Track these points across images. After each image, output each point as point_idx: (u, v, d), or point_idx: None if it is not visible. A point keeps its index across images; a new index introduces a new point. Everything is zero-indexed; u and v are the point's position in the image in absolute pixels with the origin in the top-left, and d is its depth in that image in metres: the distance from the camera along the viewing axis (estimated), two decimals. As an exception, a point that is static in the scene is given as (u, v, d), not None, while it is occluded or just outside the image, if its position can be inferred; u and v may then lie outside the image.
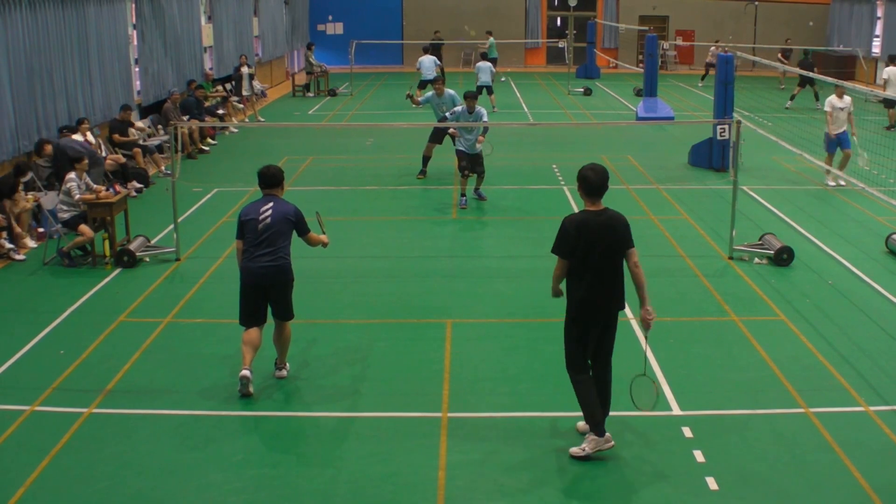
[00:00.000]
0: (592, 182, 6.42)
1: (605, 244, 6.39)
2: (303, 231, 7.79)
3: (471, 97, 13.76)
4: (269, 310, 7.78)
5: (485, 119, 13.81)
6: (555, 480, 6.34)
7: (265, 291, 7.63)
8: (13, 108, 13.49)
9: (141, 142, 16.74)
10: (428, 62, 26.09)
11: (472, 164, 13.80)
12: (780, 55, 30.39)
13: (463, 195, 14.03)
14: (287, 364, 8.03)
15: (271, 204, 7.65)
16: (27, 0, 13.90)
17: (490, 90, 24.33)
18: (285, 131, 21.73)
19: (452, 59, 37.26)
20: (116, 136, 16.18)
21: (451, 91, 15.66)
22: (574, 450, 6.58)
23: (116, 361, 8.29)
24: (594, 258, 6.40)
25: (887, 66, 22.57)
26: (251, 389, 7.53)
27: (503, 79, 32.58)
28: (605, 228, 6.40)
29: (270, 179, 7.77)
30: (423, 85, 26.05)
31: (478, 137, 13.69)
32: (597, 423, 6.51)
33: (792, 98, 25.37)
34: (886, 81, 22.05)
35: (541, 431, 7.06)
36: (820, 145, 15.74)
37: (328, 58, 33.94)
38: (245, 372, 7.50)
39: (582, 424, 6.79)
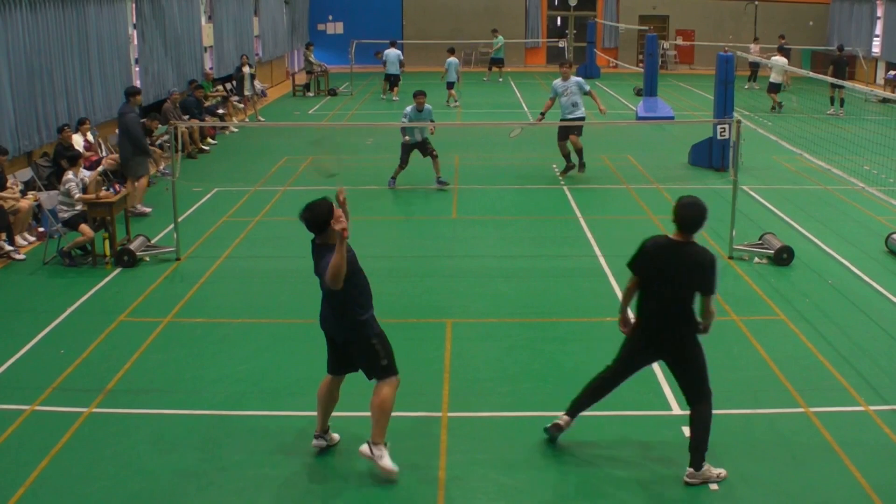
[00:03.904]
0: (681, 217, 6.14)
1: (675, 277, 6.16)
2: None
3: (419, 94, 14.93)
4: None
5: (432, 117, 15.26)
6: (555, 480, 6.34)
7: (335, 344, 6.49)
8: (13, 108, 13.49)
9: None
10: (393, 56, 26.45)
11: (422, 148, 15.08)
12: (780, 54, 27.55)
13: (394, 177, 15.16)
14: (382, 446, 6.32)
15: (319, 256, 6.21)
16: (27, 0, 13.90)
17: (451, 85, 25.97)
18: (285, 131, 21.72)
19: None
20: None
21: (577, 78, 15.91)
22: None
23: (116, 361, 8.29)
24: (660, 286, 6.22)
25: (775, 55, 25.21)
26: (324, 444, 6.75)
27: (500, 79, 32.57)
28: (680, 262, 6.14)
29: (310, 224, 6.18)
30: (388, 79, 26.53)
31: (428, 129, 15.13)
32: (573, 403, 6.73)
33: (838, 103, 23.89)
34: (772, 68, 23.70)
35: (541, 431, 7.05)
36: (820, 145, 15.74)
37: (328, 57, 33.92)
38: (314, 441, 6.70)
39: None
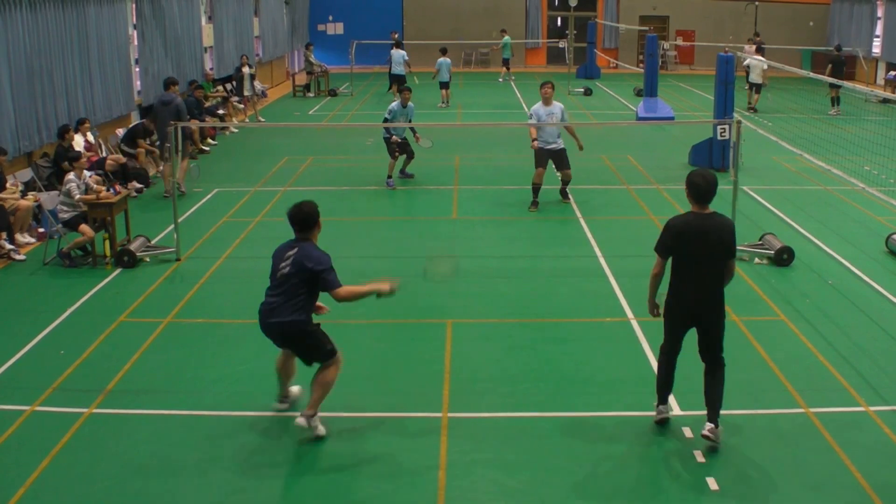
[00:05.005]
0: (700, 187, 6.52)
1: (706, 247, 6.49)
2: (328, 286, 6.68)
3: (405, 90, 15.55)
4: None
5: (412, 116, 15.60)
6: (555, 480, 6.34)
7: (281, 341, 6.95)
8: (13, 108, 13.49)
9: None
10: (398, 56, 26.60)
11: (402, 147, 15.36)
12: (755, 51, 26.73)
13: (390, 176, 15.42)
14: (315, 416, 6.85)
15: (295, 250, 6.71)
16: (27, 0, 13.90)
17: (446, 86, 25.93)
18: (285, 131, 21.72)
19: (453, 60, 37.26)
20: (140, 142, 16.33)
21: (560, 104, 13.69)
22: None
23: (116, 362, 8.29)
24: (693, 260, 6.52)
25: (753, 53, 25.20)
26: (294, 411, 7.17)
27: (501, 79, 32.64)
28: (708, 232, 6.49)
29: (301, 221, 6.78)
30: (395, 79, 26.68)
31: (414, 137, 15.46)
32: (659, 394, 7.03)
33: (834, 104, 24.01)
34: (749, 67, 24.07)
35: (541, 431, 7.06)
36: (820, 145, 15.73)
37: (328, 58, 33.95)
38: (278, 404, 7.35)
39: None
